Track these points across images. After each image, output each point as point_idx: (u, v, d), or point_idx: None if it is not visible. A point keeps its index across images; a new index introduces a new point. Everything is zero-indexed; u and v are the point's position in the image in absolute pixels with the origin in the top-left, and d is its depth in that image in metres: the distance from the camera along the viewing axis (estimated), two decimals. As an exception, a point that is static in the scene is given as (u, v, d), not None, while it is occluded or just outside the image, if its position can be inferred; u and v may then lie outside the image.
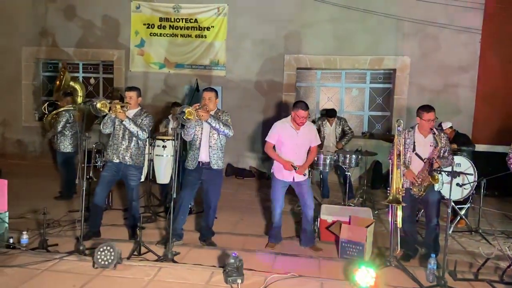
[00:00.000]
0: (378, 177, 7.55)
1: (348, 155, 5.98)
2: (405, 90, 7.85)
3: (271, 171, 4.57)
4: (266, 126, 8.20)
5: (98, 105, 4.07)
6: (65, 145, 5.96)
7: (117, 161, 4.45)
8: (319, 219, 4.73)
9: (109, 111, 4.16)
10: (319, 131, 6.58)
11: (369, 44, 7.89)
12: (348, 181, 6.03)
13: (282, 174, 4.41)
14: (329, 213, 4.81)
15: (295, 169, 4.30)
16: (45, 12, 8.72)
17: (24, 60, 8.90)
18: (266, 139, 4.51)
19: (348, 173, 6.02)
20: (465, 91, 7.65)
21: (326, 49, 8.02)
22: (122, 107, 4.27)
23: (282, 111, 8.15)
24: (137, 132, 4.34)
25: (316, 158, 5.66)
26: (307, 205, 4.44)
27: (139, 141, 4.48)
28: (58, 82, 8.11)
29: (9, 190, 4.19)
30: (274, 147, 4.48)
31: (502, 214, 6.04)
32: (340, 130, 6.79)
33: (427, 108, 4.05)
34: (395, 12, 7.64)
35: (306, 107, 4.29)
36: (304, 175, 4.40)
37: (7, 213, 4.14)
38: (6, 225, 4.08)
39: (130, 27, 8.46)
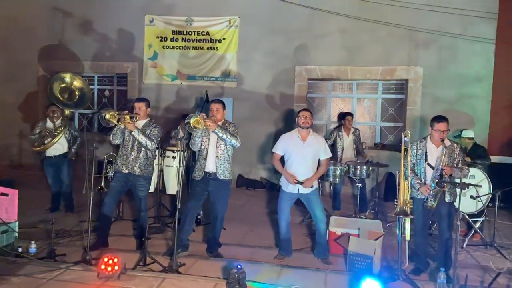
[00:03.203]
0: (391, 189, 7.40)
1: (359, 167, 5.90)
2: (418, 100, 7.74)
3: (279, 183, 4.55)
4: (277, 137, 8.11)
5: (107, 116, 4.14)
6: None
7: (126, 171, 4.50)
8: (328, 231, 4.66)
9: (118, 122, 4.23)
10: (335, 143, 6.51)
11: (381, 54, 7.83)
12: (359, 193, 5.93)
13: (287, 187, 4.39)
14: (338, 225, 4.75)
15: (300, 183, 4.27)
16: (62, 26, 8.99)
17: (41, 73, 9.15)
18: (273, 150, 4.53)
19: (359, 184, 5.92)
20: (480, 102, 7.49)
21: (337, 60, 8.00)
22: (131, 118, 4.34)
23: (293, 122, 8.12)
24: (146, 142, 4.39)
25: (327, 170, 5.59)
26: (317, 218, 4.41)
27: (148, 151, 4.53)
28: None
29: (23, 200, 4.27)
30: (283, 159, 4.47)
31: (520, 228, 5.83)
32: (356, 142, 6.67)
33: (439, 118, 4.02)
34: (407, 23, 7.58)
35: (307, 109, 4.45)
36: (312, 187, 4.35)
37: (17, 223, 4.21)
38: (16, 234, 4.15)
39: (143, 40, 8.64)
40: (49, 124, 5.90)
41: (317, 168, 4.46)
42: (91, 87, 9.12)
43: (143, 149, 4.48)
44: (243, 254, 4.51)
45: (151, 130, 4.51)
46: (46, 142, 5.75)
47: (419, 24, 7.56)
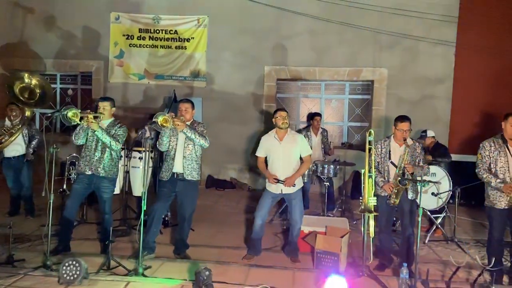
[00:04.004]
0: (357, 187, 7.57)
1: (326, 166, 5.99)
2: (383, 101, 7.96)
3: (266, 182, 4.56)
4: (247, 137, 8.20)
5: (69, 114, 4.00)
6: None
7: (90, 173, 4.36)
8: (297, 230, 4.70)
9: (80, 121, 4.09)
10: None
11: (348, 56, 8.00)
12: (327, 192, 6.03)
13: (271, 186, 4.42)
14: (306, 224, 4.79)
15: (280, 182, 4.28)
16: (23, 22, 8.61)
17: (1, 71, 8.73)
18: (256, 154, 4.61)
19: (326, 183, 6.02)
20: (441, 102, 7.79)
21: (306, 61, 8.10)
22: (95, 117, 4.21)
23: (263, 122, 8.16)
24: (110, 142, 4.27)
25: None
26: (293, 220, 4.45)
27: (112, 152, 4.40)
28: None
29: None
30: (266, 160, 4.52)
31: (478, 223, 6.10)
32: (323, 142, 6.77)
33: (402, 118, 4.15)
34: (372, 25, 7.78)
35: (283, 109, 4.49)
36: (294, 185, 4.35)
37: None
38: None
39: (109, 38, 8.41)
40: (7, 123, 5.66)
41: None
42: (53, 86, 8.81)
43: (107, 149, 4.35)
44: (211, 255, 4.48)
45: (116, 130, 4.39)
46: (3, 140, 5.52)
47: (383, 27, 7.77)
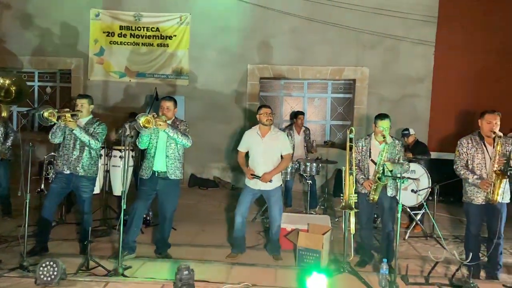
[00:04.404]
0: (340, 185, 7.63)
1: (309, 164, 6.03)
2: (365, 100, 8.05)
3: (246, 179, 4.54)
4: (230, 136, 8.17)
5: (45, 114, 3.89)
6: None
7: (68, 172, 4.27)
8: (279, 228, 4.71)
9: (57, 120, 4.00)
10: None
11: (330, 55, 8.06)
12: (309, 190, 6.06)
13: (249, 181, 4.41)
14: (289, 222, 4.82)
15: (257, 178, 4.28)
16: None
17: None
18: (238, 148, 4.59)
19: (309, 181, 6.05)
20: (421, 101, 7.94)
21: (289, 60, 8.13)
22: (72, 115, 4.11)
23: (246, 120, 8.14)
24: (89, 141, 4.18)
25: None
26: (272, 217, 4.45)
27: (91, 150, 4.32)
28: None
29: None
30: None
31: (456, 219, 6.23)
32: (306, 140, 6.81)
33: (381, 116, 4.19)
34: (354, 25, 7.86)
35: (267, 106, 4.50)
36: (271, 181, 4.35)
37: None
38: None
39: (89, 35, 8.26)
40: None
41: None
42: (31, 83, 8.62)
43: (86, 148, 4.26)
44: (194, 254, 4.44)
45: (94, 128, 4.30)
46: None
47: (365, 26, 7.85)
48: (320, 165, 6.14)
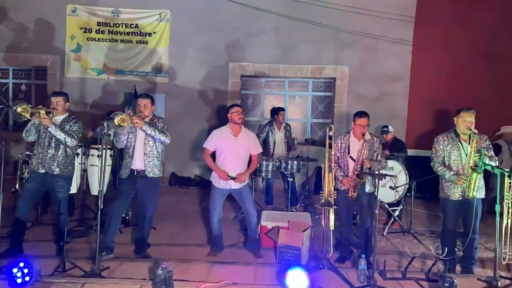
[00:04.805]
0: (320, 182, 7.66)
1: (290, 162, 6.05)
2: (345, 98, 8.13)
3: (210, 179, 4.51)
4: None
5: (19, 110, 3.78)
6: None
7: (43, 171, 4.16)
8: (259, 225, 4.71)
9: (31, 116, 3.88)
10: (267, 138, 6.59)
11: (311, 53, 8.10)
12: (290, 187, 6.08)
13: (219, 182, 4.36)
14: (269, 219, 4.83)
15: (232, 179, 4.26)
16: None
17: None
18: (204, 145, 4.47)
19: (290, 179, 6.07)
20: (399, 99, 8.07)
21: (270, 58, 8.13)
22: (47, 113, 4.01)
23: (227, 119, 8.08)
24: (64, 139, 4.08)
25: (258, 165, 5.66)
26: (248, 213, 4.44)
27: (67, 149, 4.22)
28: None
29: None
30: (213, 154, 4.43)
31: (433, 215, 6.37)
32: (287, 136, 6.82)
33: (360, 114, 4.25)
34: (334, 23, 7.91)
35: (238, 105, 4.50)
36: (244, 182, 4.36)
37: None
38: None
39: (65, 31, 8.06)
40: None
41: (249, 163, 4.49)
42: (5, 81, 8.36)
43: (62, 146, 4.16)
44: (174, 253, 4.41)
45: (71, 126, 4.21)
46: None
47: (344, 25, 7.92)
48: (301, 162, 6.16)
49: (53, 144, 4.15)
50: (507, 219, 4.03)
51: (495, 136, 6.78)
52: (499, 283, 3.49)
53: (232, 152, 4.34)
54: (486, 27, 7.71)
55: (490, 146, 4.01)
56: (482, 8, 7.74)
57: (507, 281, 3.59)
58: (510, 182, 3.94)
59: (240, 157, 4.37)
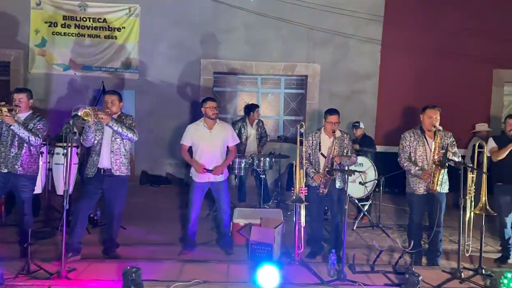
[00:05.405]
0: (292, 180, 7.72)
1: (262, 158, 6.06)
2: (316, 95, 8.23)
3: (190, 175, 4.47)
4: (182, 131, 7.98)
5: (-22, 108, 3.61)
6: None
7: (6, 171, 4.00)
8: (232, 222, 4.70)
9: (-9, 114, 3.71)
10: (239, 134, 6.57)
11: (283, 51, 8.14)
12: (263, 184, 6.10)
13: (198, 176, 4.33)
14: (242, 217, 4.84)
15: (209, 171, 4.24)
16: None
17: None
18: (181, 142, 4.48)
19: (263, 176, 6.09)
20: (369, 97, 8.24)
21: (242, 55, 8.11)
22: (9, 110, 3.84)
23: (199, 115, 8.01)
24: (28, 137, 3.93)
25: (231, 162, 5.63)
26: (222, 210, 4.44)
27: (31, 147, 4.06)
28: None
29: None
30: (191, 150, 4.41)
31: (401, 209, 6.56)
32: (259, 132, 6.83)
33: (331, 111, 4.31)
34: (306, 22, 7.98)
35: (213, 99, 4.44)
36: (222, 174, 4.35)
37: None
38: None
39: (29, 25, 7.74)
40: None
41: (226, 155, 4.49)
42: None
43: (25, 145, 4.01)
44: (144, 253, 4.33)
45: (35, 124, 4.06)
46: None
47: (316, 24, 8.01)
48: (273, 159, 6.20)
49: (16, 143, 4.00)
50: (470, 212, 4.22)
51: (471, 134, 6.99)
52: (462, 274, 3.63)
53: (207, 145, 4.33)
54: (452, 28, 7.97)
55: (454, 142, 4.16)
56: (449, 9, 7.99)
57: (470, 272, 3.74)
58: (472, 177, 4.13)
59: (216, 150, 4.35)
